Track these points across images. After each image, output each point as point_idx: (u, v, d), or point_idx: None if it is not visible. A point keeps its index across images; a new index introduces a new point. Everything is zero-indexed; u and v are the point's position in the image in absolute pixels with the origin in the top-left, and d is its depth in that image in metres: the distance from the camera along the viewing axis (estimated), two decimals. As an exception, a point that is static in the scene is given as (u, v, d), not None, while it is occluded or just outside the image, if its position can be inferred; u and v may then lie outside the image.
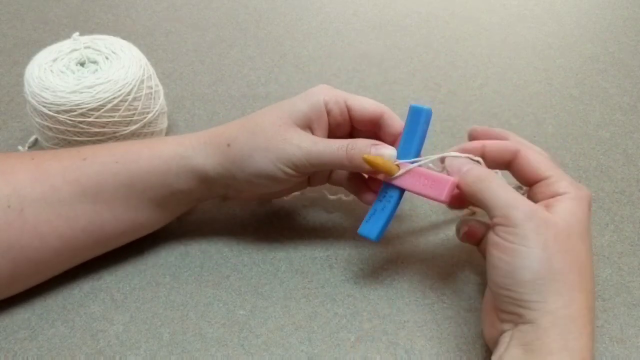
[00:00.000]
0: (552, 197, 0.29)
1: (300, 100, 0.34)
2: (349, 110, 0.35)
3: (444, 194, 0.31)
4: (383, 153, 0.32)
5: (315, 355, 0.32)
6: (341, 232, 0.39)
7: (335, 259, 0.37)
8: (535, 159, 0.31)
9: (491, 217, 0.29)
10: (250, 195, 0.37)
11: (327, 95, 0.34)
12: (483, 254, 0.34)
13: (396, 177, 0.32)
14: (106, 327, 0.33)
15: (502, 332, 0.28)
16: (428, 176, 0.32)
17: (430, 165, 0.33)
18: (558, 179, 0.30)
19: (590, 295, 0.28)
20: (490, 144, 0.32)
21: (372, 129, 0.36)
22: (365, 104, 0.35)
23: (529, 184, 0.32)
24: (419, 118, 0.32)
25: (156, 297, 0.35)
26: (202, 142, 0.34)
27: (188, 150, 0.34)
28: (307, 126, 0.34)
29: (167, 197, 0.34)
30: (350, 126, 0.36)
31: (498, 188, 0.29)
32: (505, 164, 0.32)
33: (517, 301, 0.27)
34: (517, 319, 0.27)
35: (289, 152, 0.32)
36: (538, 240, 0.27)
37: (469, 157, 0.32)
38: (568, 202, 0.29)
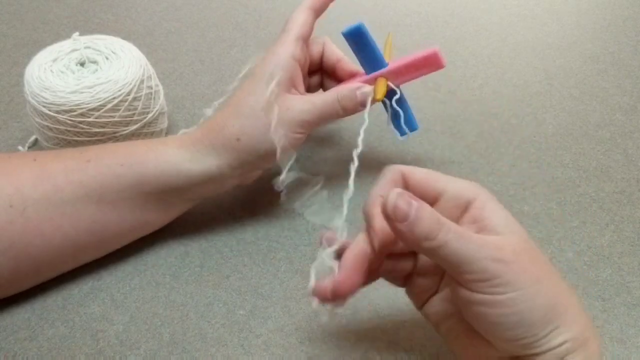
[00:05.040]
0: (464, 205, 0.26)
1: (276, 68, 0.35)
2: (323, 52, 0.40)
3: (442, 61, 0.36)
4: (367, 91, 0.36)
5: (315, 355, 0.32)
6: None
7: (335, 259, 0.37)
8: (425, 175, 0.27)
9: (459, 273, 0.23)
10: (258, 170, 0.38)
11: (294, 50, 0.36)
12: (434, 320, 0.28)
13: (392, 82, 0.37)
14: (106, 327, 0.33)
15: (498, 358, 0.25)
16: (412, 62, 0.37)
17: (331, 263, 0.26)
18: (451, 185, 0.26)
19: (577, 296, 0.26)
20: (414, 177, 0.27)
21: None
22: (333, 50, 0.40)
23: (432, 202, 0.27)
24: (360, 36, 0.37)
25: (156, 297, 0.35)
26: (208, 145, 0.34)
27: (195, 155, 0.34)
28: (291, 87, 0.36)
29: (176, 197, 0.35)
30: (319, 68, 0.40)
31: (457, 242, 0.23)
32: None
33: (534, 343, 0.24)
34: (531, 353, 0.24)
35: (297, 119, 0.35)
36: (526, 276, 0.23)
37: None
38: (497, 213, 0.25)
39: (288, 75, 0.35)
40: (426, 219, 0.23)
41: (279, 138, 0.34)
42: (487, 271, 0.23)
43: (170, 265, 0.37)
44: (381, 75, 0.38)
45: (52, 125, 0.39)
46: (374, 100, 0.37)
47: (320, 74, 0.42)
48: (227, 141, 0.34)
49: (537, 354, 0.24)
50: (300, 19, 0.37)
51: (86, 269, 0.36)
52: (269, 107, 0.34)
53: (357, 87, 0.36)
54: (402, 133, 0.40)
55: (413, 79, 0.38)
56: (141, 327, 0.33)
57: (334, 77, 0.41)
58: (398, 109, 0.38)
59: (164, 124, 0.45)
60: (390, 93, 0.38)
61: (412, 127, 0.40)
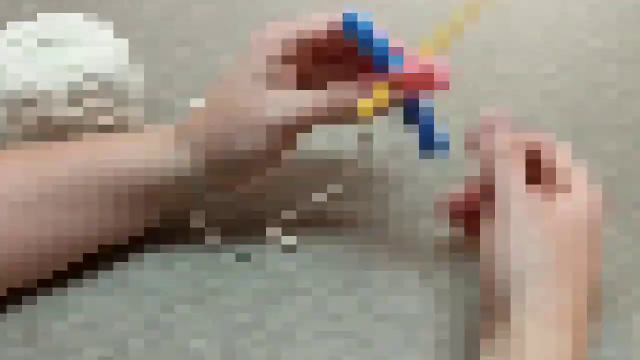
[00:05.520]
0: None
1: (256, 60, 0.32)
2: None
3: (448, 82, 0.31)
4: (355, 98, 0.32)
5: (316, 355, 0.31)
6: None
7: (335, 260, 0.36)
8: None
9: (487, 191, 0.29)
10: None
11: (274, 41, 0.33)
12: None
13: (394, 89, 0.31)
14: (79, 346, 0.31)
15: None
16: (411, 75, 0.31)
17: None
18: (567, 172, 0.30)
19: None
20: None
21: None
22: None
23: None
24: (354, 29, 0.32)
25: (138, 320, 0.33)
26: (181, 142, 0.33)
27: (168, 152, 0.33)
28: (275, 83, 0.32)
29: (149, 199, 0.34)
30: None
31: (506, 168, 0.29)
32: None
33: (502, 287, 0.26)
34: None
35: (273, 123, 0.32)
36: (527, 229, 0.27)
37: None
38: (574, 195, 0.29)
39: (262, 71, 0.32)
40: (503, 139, 0.30)
41: (268, 141, 0.32)
42: (500, 195, 0.28)
43: (152, 279, 0.35)
44: (380, 79, 0.31)
45: (11, 116, 0.37)
46: (370, 110, 0.31)
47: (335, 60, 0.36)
48: (200, 139, 0.33)
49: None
50: (309, 18, 0.34)
51: (56, 281, 0.34)
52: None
53: (351, 87, 0.32)
54: (428, 147, 0.33)
55: (415, 90, 0.31)
56: (118, 348, 0.31)
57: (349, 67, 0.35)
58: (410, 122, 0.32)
59: (140, 114, 0.42)
60: (403, 101, 0.32)
61: (434, 146, 0.32)
